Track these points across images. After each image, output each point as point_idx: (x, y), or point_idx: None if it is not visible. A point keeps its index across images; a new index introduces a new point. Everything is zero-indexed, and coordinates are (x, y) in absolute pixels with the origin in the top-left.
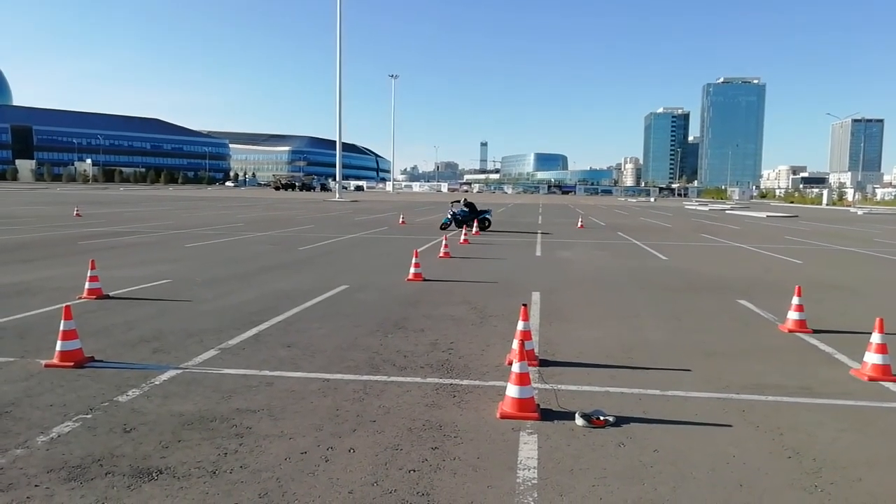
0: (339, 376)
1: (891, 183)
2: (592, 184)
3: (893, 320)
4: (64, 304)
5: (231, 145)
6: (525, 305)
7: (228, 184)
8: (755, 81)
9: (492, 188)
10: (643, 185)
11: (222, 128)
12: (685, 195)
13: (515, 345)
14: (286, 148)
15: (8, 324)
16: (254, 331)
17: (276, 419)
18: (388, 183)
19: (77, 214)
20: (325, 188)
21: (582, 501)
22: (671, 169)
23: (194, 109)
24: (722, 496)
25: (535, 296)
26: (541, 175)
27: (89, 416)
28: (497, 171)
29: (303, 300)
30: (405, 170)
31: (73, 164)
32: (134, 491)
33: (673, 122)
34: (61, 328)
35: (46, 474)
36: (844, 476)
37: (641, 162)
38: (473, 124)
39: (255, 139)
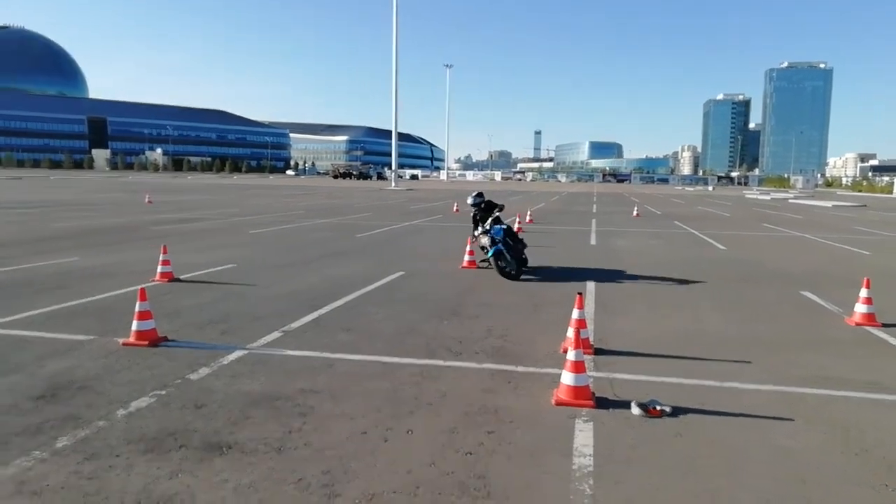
0: (396, 360)
1: None
2: (648, 172)
3: None
4: (139, 287)
5: (291, 135)
6: (580, 294)
7: (289, 172)
8: (821, 66)
9: (545, 177)
10: (701, 173)
11: (283, 118)
12: (745, 184)
13: (570, 333)
14: (344, 137)
15: (89, 304)
16: (314, 315)
17: (338, 400)
18: (442, 171)
19: (148, 202)
20: (381, 177)
21: (638, 491)
22: (731, 157)
23: (257, 101)
24: (783, 491)
25: (590, 285)
26: (595, 163)
27: (163, 392)
28: (551, 160)
29: (361, 286)
30: (459, 159)
31: (144, 154)
32: (205, 464)
33: (733, 108)
34: (137, 309)
35: (126, 445)
36: None
37: (699, 150)
38: (527, 113)
39: (314, 129)
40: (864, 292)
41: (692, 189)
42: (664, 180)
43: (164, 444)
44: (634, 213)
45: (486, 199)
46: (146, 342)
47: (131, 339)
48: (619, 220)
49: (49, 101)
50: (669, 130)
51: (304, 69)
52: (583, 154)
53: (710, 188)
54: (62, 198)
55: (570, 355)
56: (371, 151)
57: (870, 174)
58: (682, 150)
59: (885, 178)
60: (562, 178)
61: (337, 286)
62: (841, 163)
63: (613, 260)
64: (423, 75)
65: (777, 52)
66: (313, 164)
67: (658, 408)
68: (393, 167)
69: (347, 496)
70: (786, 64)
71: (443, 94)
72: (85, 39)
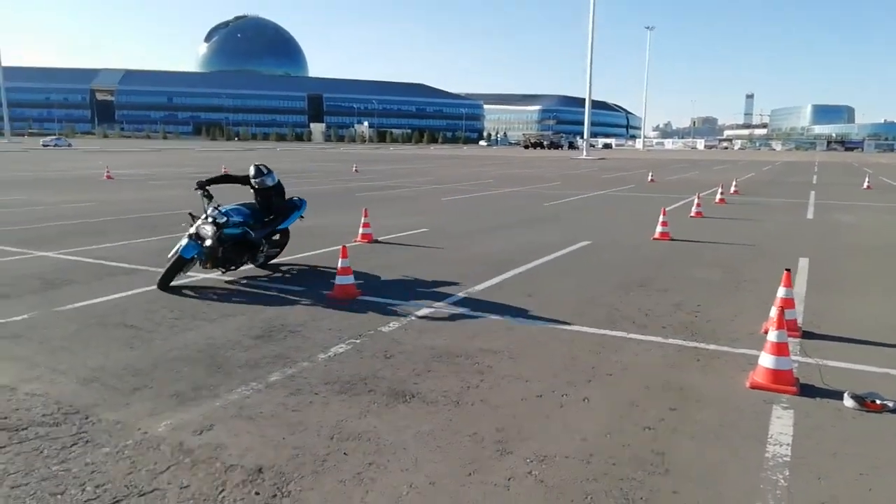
0: (576, 328)
1: None
2: (886, 139)
3: None
4: (341, 245)
5: (485, 106)
6: (788, 270)
7: (481, 143)
8: None
9: (757, 145)
10: None
11: (477, 89)
12: None
13: (774, 312)
14: (536, 107)
15: (303, 259)
16: (498, 279)
17: (515, 361)
18: (637, 140)
19: (355, 170)
20: (572, 146)
21: (845, 488)
22: None
23: (453, 73)
24: None
25: (803, 262)
26: (818, 129)
27: (358, 341)
28: (764, 126)
29: (545, 253)
30: (657, 126)
31: (353, 127)
32: (390, 409)
33: None
34: (339, 265)
35: (324, 385)
36: None
37: None
38: (737, 75)
39: (507, 99)
40: None
41: None
42: None
43: (355, 387)
44: (865, 184)
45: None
46: (346, 295)
47: (333, 292)
48: (845, 192)
49: (276, 81)
50: None
51: (499, 38)
52: (803, 119)
53: None
54: (285, 167)
55: (772, 336)
56: (564, 120)
57: None
58: None
59: None
60: (776, 145)
61: (522, 252)
62: None
63: (834, 237)
64: (621, 39)
65: None
66: (505, 134)
67: (879, 402)
68: (585, 136)
69: (519, 454)
70: None
71: (642, 58)
72: (305, 21)
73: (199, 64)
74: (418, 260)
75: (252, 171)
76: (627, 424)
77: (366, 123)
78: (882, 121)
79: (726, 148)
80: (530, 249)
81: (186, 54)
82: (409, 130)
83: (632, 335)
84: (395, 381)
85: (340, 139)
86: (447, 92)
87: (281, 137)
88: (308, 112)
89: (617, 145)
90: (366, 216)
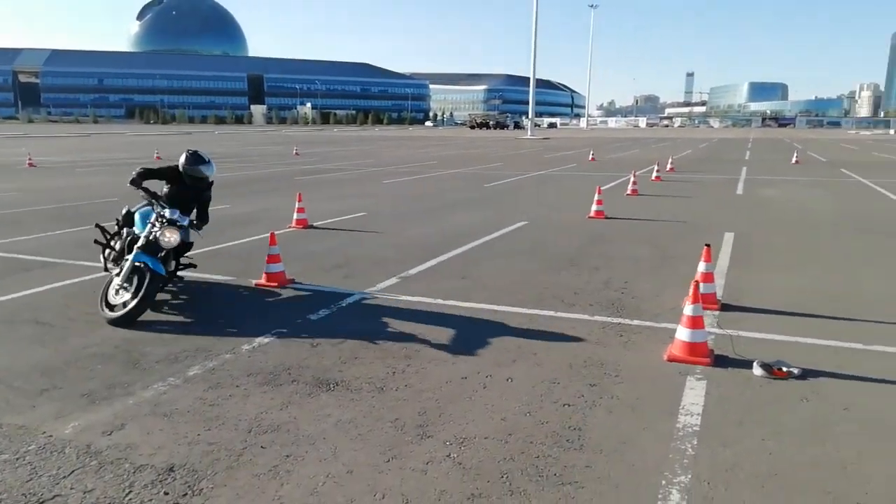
0: (506, 308)
1: None
2: (817, 115)
3: None
4: (270, 232)
5: (431, 86)
6: (708, 246)
7: (427, 123)
8: None
9: (696, 122)
10: (882, 115)
11: (423, 69)
12: None
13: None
14: (482, 87)
15: (233, 248)
16: (433, 262)
17: (444, 345)
18: (582, 119)
19: (296, 154)
20: (518, 126)
21: (748, 455)
22: None
23: (398, 53)
24: None
25: (728, 237)
26: (755, 106)
27: (285, 330)
28: (703, 104)
29: (481, 235)
30: (601, 105)
31: (295, 108)
32: (313, 398)
33: None
34: (267, 253)
35: (246, 377)
36: None
37: (882, 88)
38: (678, 54)
39: (454, 79)
40: None
41: (869, 133)
42: (835, 124)
43: (279, 377)
44: (794, 159)
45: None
46: (275, 284)
47: (262, 281)
48: (775, 168)
49: (214, 61)
50: (844, 68)
51: (445, 18)
52: (740, 97)
53: (892, 132)
54: (223, 151)
55: (687, 310)
56: (510, 100)
57: None
58: (860, 89)
59: None
60: (714, 123)
61: (458, 235)
62: None
63: (760, 211)
64: (565, 17)
65: None
66: (451, 114)
67: (785, 369)
68: (529, 115)
69: (439, 437)
70: None
71: (586, 36)
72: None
73: (131, 43)
74: (354, 245)
75: (188, 160)
76: (547, 402)
77: (309, 105)
78: (813, 97)
79: (667, 126)
80: (467, 232)
81: (117, 33)
82: (354, 111)
83: (560, 314)
84: (319, 369)
85: (283, 121)
86: (393, 72)
87: (220, 120)
88: (248, 93)
89: (562, 124)
90: (300, 201)
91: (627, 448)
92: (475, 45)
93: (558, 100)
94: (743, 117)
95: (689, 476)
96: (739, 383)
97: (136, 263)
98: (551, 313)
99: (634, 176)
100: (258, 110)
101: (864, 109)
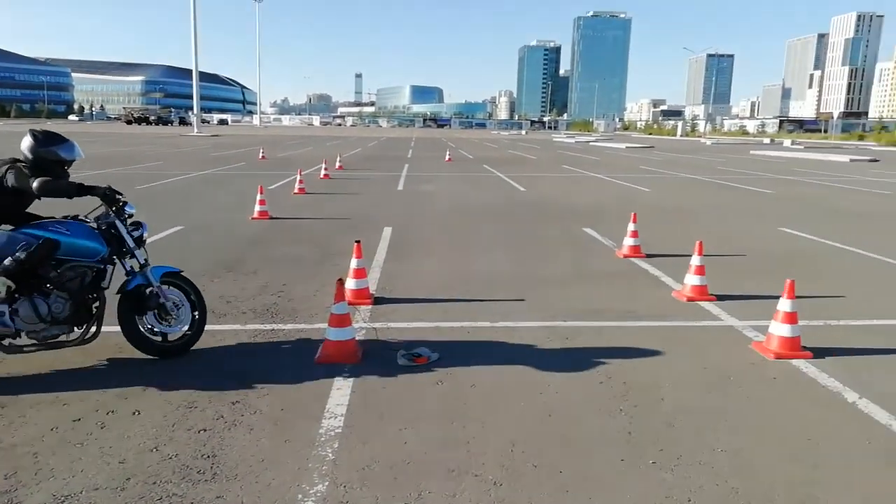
0: None
1: (738, 115)
2: (467, 117)
3: (721, 242)
4: None
5: (74, 74)
6: (358, 242)
7: (72, 117)
8: (622, 15)
9: (366, 121)
10: (516, 118)
11: (62, 55)
12: (555, 128)
13: (349, 284)
14: (139, 78)
15: None
16: None
17: (52, 383)
18: (255, 116)
19: None
20: (184, 122)
21: (385, 448)
22: (543, 102)
23: (30, 36)
24: (529, 428)
25: (387, 231)
26: (417, 108)
27: None
28: (372, 104)
29: None
30: (275, 102)
31: None
32: None
33: (545, 55)
34: None
35: None
36: (648, 397)
37: (515, 95)
38: (348, 55)
39: (103, 68)
40: (631, 226)
41: (507, 133)
42: (482, 125)
43: None
44: (447, 157)
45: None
46: None
47: None
48: (432, 165)
49: None
50: (488, 76)
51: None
52: (404, 98)
53: (524, 132)
54: None
55: (334, 309)
56: (173, 94)
57: (660, 118)
58: (500, 95)
59: (672, 122)
60: (383, 122)
61: None
62: (637, 108)
63: (417, 205)
64: (229, 9)
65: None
66: (102, 107)
67: (425, 356)
68: (195, 110)
69: (32, 502)
70: (591, 13)
71: (254, 32)
72: None
73: None
74: None
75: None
76: (180, 431)
77: None
78: (464, 101)
79: (340, 124)
80: None
81: None
82: None
83: (209, 326)
84: None
85: None
86: (21, 55)
87: None
88: None
89: (234, 121)
90: None
91: (266, 466)
92: (128, 33)
93: (228, 95)
94: (407, 118)
95: (327, 483)
96: (384, 376)
97: None
98: None
99: (300, 175)
100: None
101: (503, 113)
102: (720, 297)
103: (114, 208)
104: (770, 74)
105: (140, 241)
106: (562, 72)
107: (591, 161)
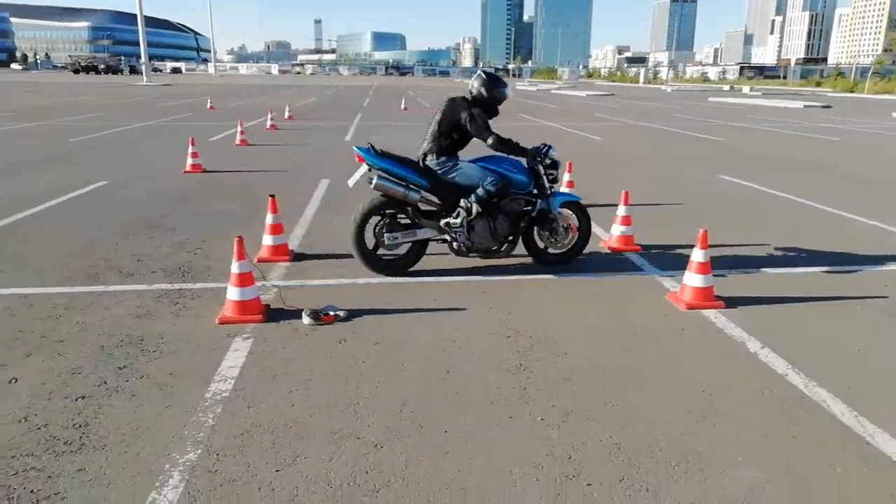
0: (41, 290)
1: (700, 62)
2: (431, 65)
3: (659, 191)
4: None
5: (13, 20)
6: (273, 196)
7: (14, 66)
8: None
9: (326, 69)
10: (481, 65)
11: None
12: (520, 76)
13: (266, 240)
14: (84, 24)
15: None
16: None
17: None
18: (210, 64)
19: None
20: (134, 70)
21: (270, 412)
22: (507, 49)
23: None
24: (425, 387)
25: (324, 183)
26: (378, 56)
27: None
28: (333, 52)
29: (43, 200)
30: (232, 50)
31: None
32: None
33: (509, 0)
34: None
35: None
36: (552, 352)
37: (479, 42)
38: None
39: (43, 13)
40: (567, 176)
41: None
42: (446, 73)
43: None
44: (402, 106)
45: None
46: None
47: None
48: (386, 114)
49: None
50: (451, 22)
51: None
52: (366, 45)
53: None
54: None
55: (234, 267)
56: (122, 41)
57: (624, 66)
58: (464, 42)
59: (634, 69)
60: (344, 70)
61: (12, 203)
62: (602, 55)
63: None
64: None
65: None
66: (47, 55)
67: (332, 313)
68: (143, 58)
69: None
70: None
71: None
72: None
73: None
74: None
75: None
76: (56, 400)
77: None
78: (427, 48)
79: (299, 73)
80: (25, 198)
81: None
82: None
83: (111, 287)
84: None
85: None
86: None
87: None
88: None
89: (188, 70)
90: None
91: (138, 435)
92: None
93: (181, 42)
94: (369, 66)
95: (199, 451)
96: (286, 336)
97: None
98: (102, 288)
99: (241, 126)
100: None
101: (467, 60)
102: (646, 248)
103: (538, 159)
104: (733, 20)
105: (554, 180)
106: (526, 17)
107: (550, 109)
